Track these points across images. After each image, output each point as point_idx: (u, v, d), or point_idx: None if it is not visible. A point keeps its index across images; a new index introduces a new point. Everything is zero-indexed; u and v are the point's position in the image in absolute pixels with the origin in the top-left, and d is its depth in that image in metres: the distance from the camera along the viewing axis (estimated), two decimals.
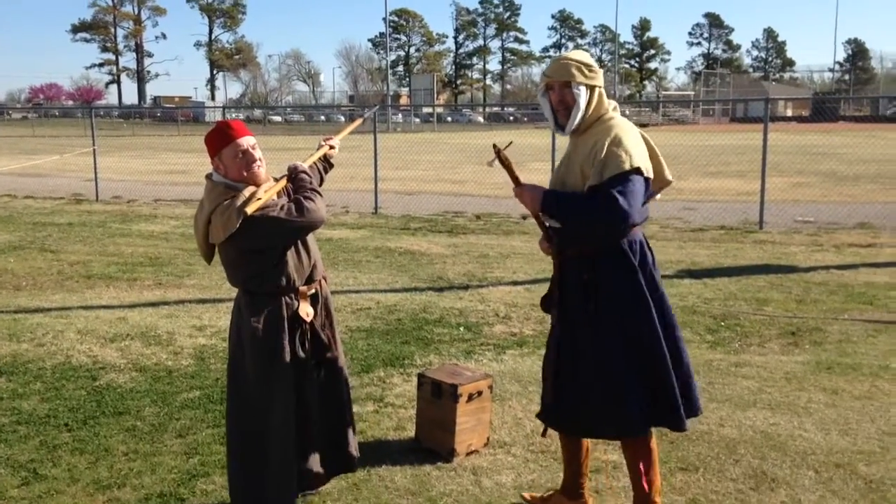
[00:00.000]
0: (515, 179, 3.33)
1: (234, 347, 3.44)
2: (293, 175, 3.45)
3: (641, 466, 3.28)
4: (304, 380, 3.39)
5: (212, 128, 3.38)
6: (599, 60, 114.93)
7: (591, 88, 3.19)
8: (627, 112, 68.26)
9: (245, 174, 3.28)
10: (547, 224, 3.29)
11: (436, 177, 18.74)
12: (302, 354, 3.37)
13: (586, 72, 3.19)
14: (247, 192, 3.24)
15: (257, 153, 3.32)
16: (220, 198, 3.24)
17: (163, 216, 13.62)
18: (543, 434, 3.49)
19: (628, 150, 3.05)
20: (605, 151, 3.06)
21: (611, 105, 3.27)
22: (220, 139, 3.30)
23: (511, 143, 3.51)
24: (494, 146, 3.44)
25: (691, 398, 3.24)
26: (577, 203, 3.12)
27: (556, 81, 3.21)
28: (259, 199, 3.19)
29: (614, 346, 3.16)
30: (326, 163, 3.78)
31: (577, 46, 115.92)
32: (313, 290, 3.44)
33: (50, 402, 4.85)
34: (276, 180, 3.43)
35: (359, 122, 4.33)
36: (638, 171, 3.04)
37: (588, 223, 3.13)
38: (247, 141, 3.30)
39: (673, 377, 3.16)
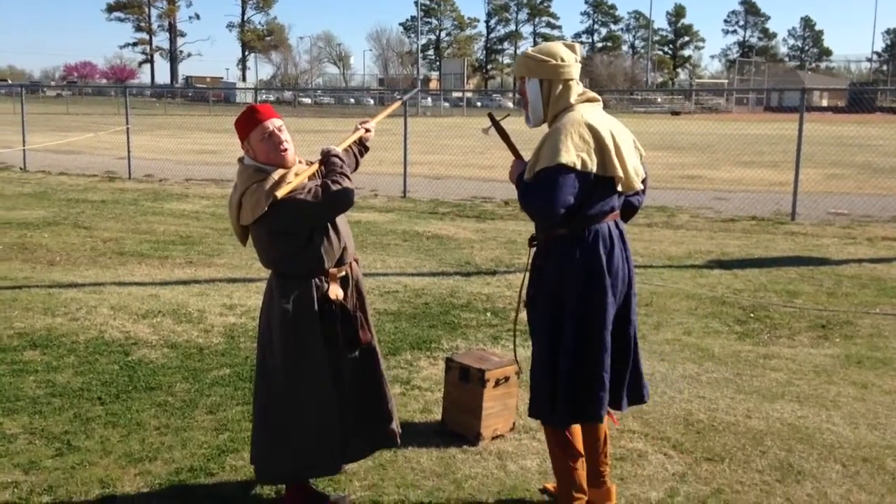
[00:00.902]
0: (513, 151, 3.44)
1: (263, 327, 3.48)
2: (325, 158, 3.47)
3: (555, 452, 3.38)
4: (334, 361, 3.42)
5: (241, 112, 3.42)
6: (632, 47, 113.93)
7: (549, 82, 3.24)
8: (659, 99, 67.65)
9: (273, 156, 3.31)
10: None
11: (464, 162, 18.72)
12: (332, 336, 3.39)
13: (536, 67, 3.25)
14: (276, 175, 3.26)
15: (284, 135, 3.34)
16: (250, 180, 3.28)
17: (194, 195, 13.75)
18: None
19: (557, 146, 3.08)
20: (540, 146, 3.15)
21: (583, 96, 3.27)
22: (248, 122, 3.34)
23: (508, 115, 3.54)
24: (490, 115, 3.50)
25: (592, 400, 3.23)
26: (521, 188, 3.22)
27: (517, 76, 3.36)
28: (289, 182, 3.22)
29: (541, 332, 3.29)
30: (362, 146, 3.79)
31: (609, 32, 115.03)
32: (343, 273, 3.45)
33: (84, 376, 4.95)
34: (310, 164, 3.45)
35: (397, 104, 4.33)
36: (562, 166, 3.05)
37: (525, 210, 3.25)
38: (273, 123, 3.32)
39: (564, 375, 3.20)
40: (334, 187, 3.27)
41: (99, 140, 22.05)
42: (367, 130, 3.73)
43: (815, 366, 5.32)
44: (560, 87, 3.24)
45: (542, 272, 3.31)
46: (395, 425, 3.65)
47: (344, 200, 3.31)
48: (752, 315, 6.54)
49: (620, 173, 3.20)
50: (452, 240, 9.82)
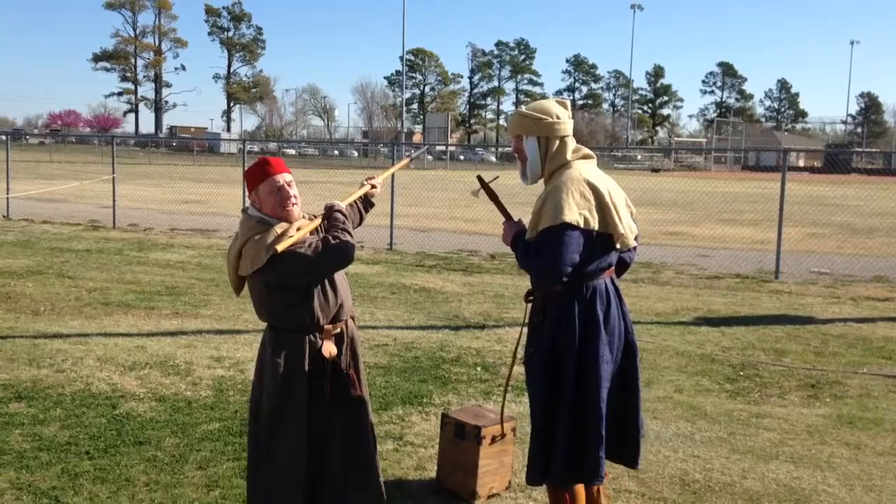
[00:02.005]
0: (504, 213, 3.47)
1: (255, 382, 3.45)
2: (328, 214, 3.48)
3: None
4: (323, 421, 3.36)
5: (253, 162, 3.44)
6: (612, 105, 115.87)
7: (546, 139, 3.29)
8: (639, 157, 68.66)
9: (279, 210, 3.32)
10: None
11: (449, 214, 18.80)
12: (322, 394, 3.34)
13: (533, 124, 3.30)
14: (279, 228, 3.26)
15: (293, 190, 3.36)
16: (251, 231, 3.28)
17: (179, 245, 13.69)
18: None
19: (559, 204, 3.11)
20: (542, 205, 3.18)
21: (578, 153, 3.32)
22: (259, 174, 3.36)
23: (497, 177, 3.58)
24: (479, 177, 3.53)
25: (591, 458, 3.22)
26: (522, 249, 3.24)
27: (512, 135, 3.39)
28: (290, 237, 3.22)
29: (538, 389, 3.29)
30: (367, 202, 3.81)
31: (590, 91, 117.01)
32: (339, 330, 3.43)
33: (71, 430, 4.85)
34: (312, 218, 3.46)
35: (405, 161, 4.39)
36: (567, 225, 3.08)
37: (527, 270, 3.27)
38: (283, 178, 3.34)
39: (565, 437, 3.20)
40: (334, 242, 3.28)
41: (82, 188, 21.97)
42: (374, 187, 3.75)
43: (807, 426, 5.32)
44: (557, 143, 3.29)
45: (539, 329, 3.31)
46: (382, 493, 3.55)
47: (343, 256, 3.31)
48: (741, 373, 6.55)
49: (622, 230, 3.24)
50: (440, 293, 9.81)
